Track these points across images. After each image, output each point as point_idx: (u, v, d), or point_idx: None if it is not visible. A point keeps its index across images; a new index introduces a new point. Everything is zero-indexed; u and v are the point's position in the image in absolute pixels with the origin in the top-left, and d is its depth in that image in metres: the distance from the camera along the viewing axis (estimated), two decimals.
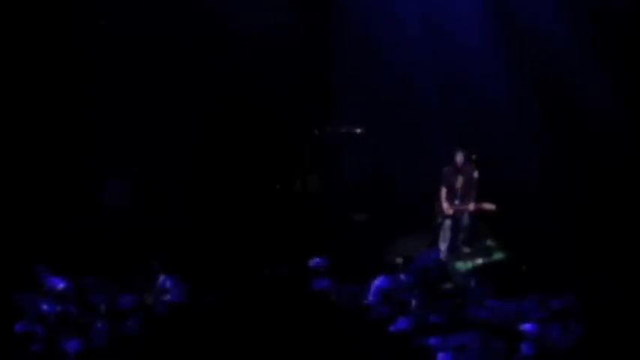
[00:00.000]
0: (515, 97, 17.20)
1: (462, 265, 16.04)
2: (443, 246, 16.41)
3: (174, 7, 17.62)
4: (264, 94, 17.76)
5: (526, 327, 11.89)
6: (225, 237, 16.65)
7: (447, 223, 16.43)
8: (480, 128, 17.05)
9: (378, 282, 14.29)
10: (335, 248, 15.39)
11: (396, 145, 17.68)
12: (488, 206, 16.17)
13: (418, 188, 16.89)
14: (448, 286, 15.04)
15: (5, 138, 17.09)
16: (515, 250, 16.15)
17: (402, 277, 14.22)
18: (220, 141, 17.99)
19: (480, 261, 16.12)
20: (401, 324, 12.48)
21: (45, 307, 12.89)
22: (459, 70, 17.50)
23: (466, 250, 16.44)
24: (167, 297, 13.86)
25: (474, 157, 16.37)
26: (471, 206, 16.27)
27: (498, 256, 16.20)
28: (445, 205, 16.40)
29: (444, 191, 16.43)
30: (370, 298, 14.01)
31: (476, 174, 16.35)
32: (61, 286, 13.64)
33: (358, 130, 18.44)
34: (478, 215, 16.38)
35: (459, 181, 16.40)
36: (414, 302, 13.30)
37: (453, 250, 16.38)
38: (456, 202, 16.39)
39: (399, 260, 14.63)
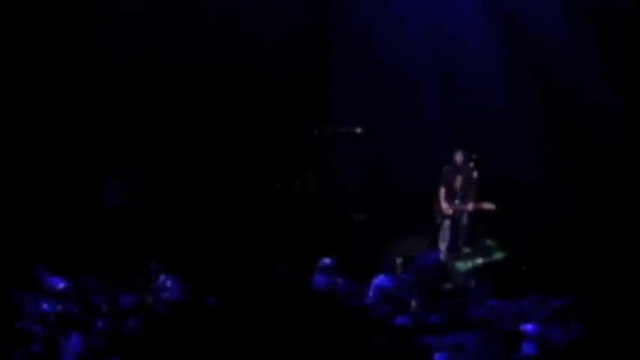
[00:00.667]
0: (515, 97, 17.20)
1: (462, 265, 16.04)
2: (443, 246, 16.40)
3: (174, 7, 17.64)
4: (264, 94, 17.77)
5: (526, 327, 11.90)
6: (225, 237, 16.65)
7: (447, 223, 16.42)
8: (480, 128, 17.04)
9: (377, 281, 14.33)
10: (335, 248, 15.40)
11: (396, 145, 17.67)
12: (488, 206, 16.15)
13: (418, 188, 16.89)
14: (448, 286, 15.08)
15: (5, 138, 17.09)
16: (515, 250, 16.16)
17: (402, 276, 14.24)
18: (220, 141, 18.00)
19: (479, 261, 16.12)
20: (401, 323, 12.51)
21: (45, 306, 12.89)
22: (459, 70, 17.50)
23: (466, 250, 16.43)
24: (167, 296, 13.87)
25: (473, 157, 16.37)
26: (471, 206, 16.25)
27: (498, 256, 16.19)
28: (445, 205, 16.39)
29: (443, 191, 16.42)
30: (370, 297, 14.04)
31: (475, 174, 16.34)
32: (61, 285, 13.64)
33: (358, 130, 18.44)
34: (478, 215, 16.38)
35: (459, 181, 16.39)
36: (413, 302, 13.30)
37: (453, 250, 16.36)
38: (456, 202, 16.38)
39: (399, 260, 14.64)
